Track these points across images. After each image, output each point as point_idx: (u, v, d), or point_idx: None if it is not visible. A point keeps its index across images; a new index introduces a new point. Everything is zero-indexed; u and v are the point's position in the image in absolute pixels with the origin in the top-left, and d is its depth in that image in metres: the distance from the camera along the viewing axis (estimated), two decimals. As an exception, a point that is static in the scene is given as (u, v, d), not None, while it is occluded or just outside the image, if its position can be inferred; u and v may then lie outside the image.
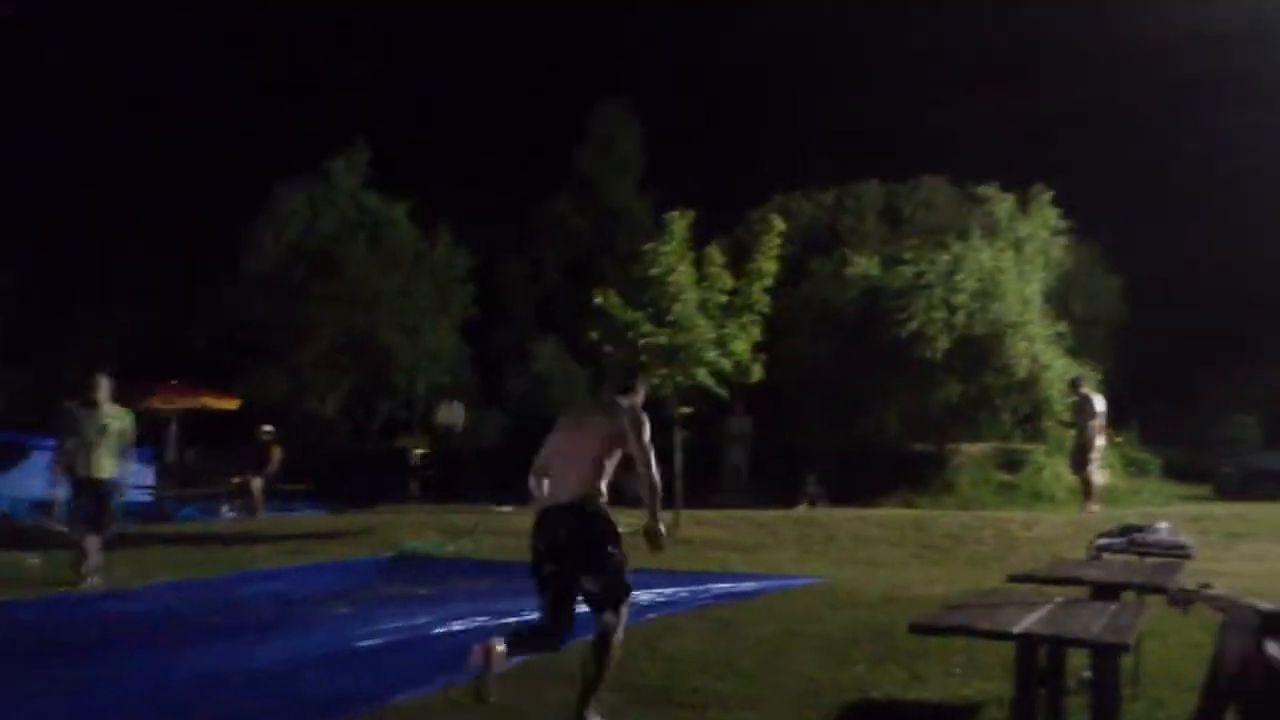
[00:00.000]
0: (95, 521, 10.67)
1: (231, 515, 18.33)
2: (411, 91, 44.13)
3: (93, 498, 10.72)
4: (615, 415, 5.51)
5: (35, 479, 15.51)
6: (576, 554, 5.32)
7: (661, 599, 9.16)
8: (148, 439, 21.80)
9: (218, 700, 5.73)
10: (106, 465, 10.74)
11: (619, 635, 5.29)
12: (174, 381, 22.54)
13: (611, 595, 5.30)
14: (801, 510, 17.58)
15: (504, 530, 14.84)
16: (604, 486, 5.46)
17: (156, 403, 21.61)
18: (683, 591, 9.59)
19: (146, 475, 19.82)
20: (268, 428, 19.42)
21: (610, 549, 5.32)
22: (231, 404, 23.54)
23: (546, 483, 5.53)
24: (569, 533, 5.32)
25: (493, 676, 4.96)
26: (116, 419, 10.81)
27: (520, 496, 18.64)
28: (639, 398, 5.81)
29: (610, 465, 5.50)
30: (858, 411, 21.61)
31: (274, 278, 30.30)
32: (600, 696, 5.24)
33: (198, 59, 41.82)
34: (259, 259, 30.49)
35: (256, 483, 18.52)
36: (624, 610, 5.37)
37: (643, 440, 5.44)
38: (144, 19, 39.79)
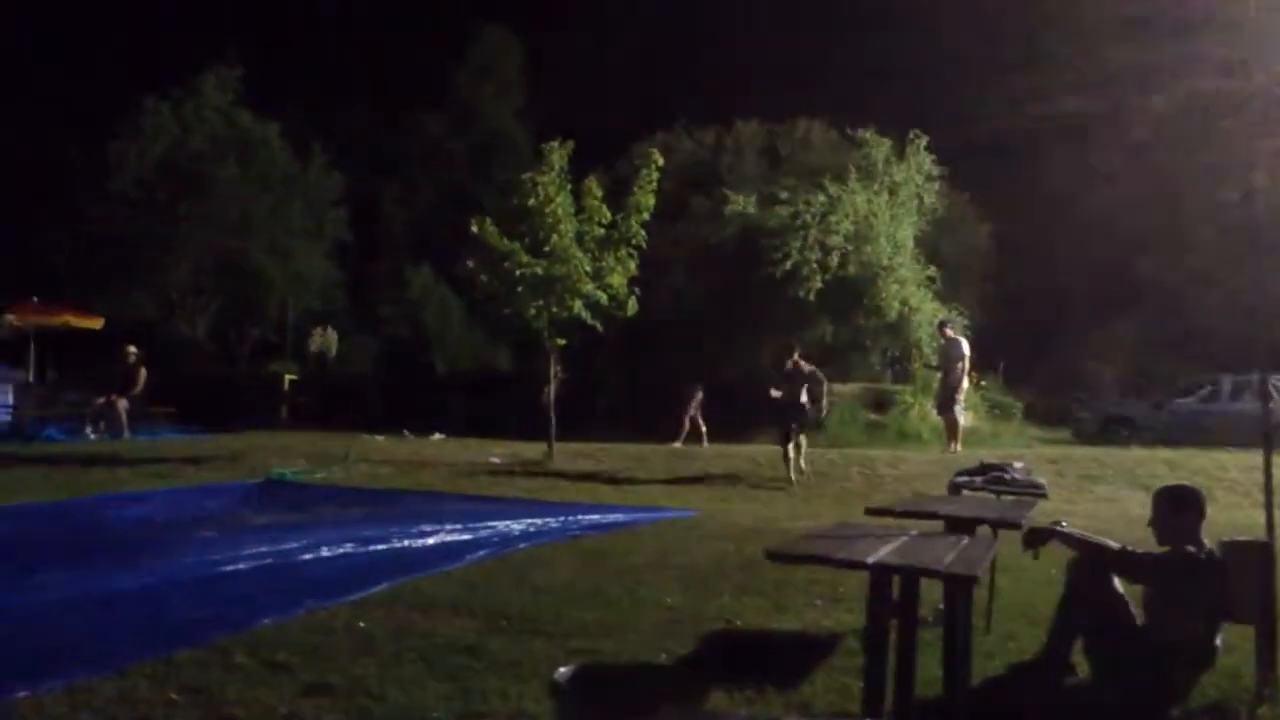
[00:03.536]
0: None
1: (95, 437, 17.82)
2: (288, 7, 42.78)
3: None
4: None
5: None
6: None
7: (532, 529, 9.21)
8: (6, 357, 21.08)
9: (70, 624, 5.60)
10: None
11: None
12: (34, 299, 21.70)
13: None
14: (676, 446, 17.70)
15: (374, 458, 14.74)
16: None
17: (14, 320, 20.80)
18: (552, 522, 9.65)
19: (5, 394, 19.16)
20: (132, 348, 18.86)
21: None
22: (95, 324, 22.75)
23: None
24: None
25: None
26: None
27: (391, 426, 18.56)
28: None
29: None
30: (732, 348, 21.85)
31: (140, 195, 29.30)
32: None
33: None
34: (123, 175, 29.41)
35: (121, 404, 18.04)
36: None
37: None
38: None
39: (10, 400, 20.15)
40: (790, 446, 13.80)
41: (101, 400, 18.30)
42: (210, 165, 29.96)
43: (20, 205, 29.18)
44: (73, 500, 10.71)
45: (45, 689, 4.34)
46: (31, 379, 22.07)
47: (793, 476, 13.69)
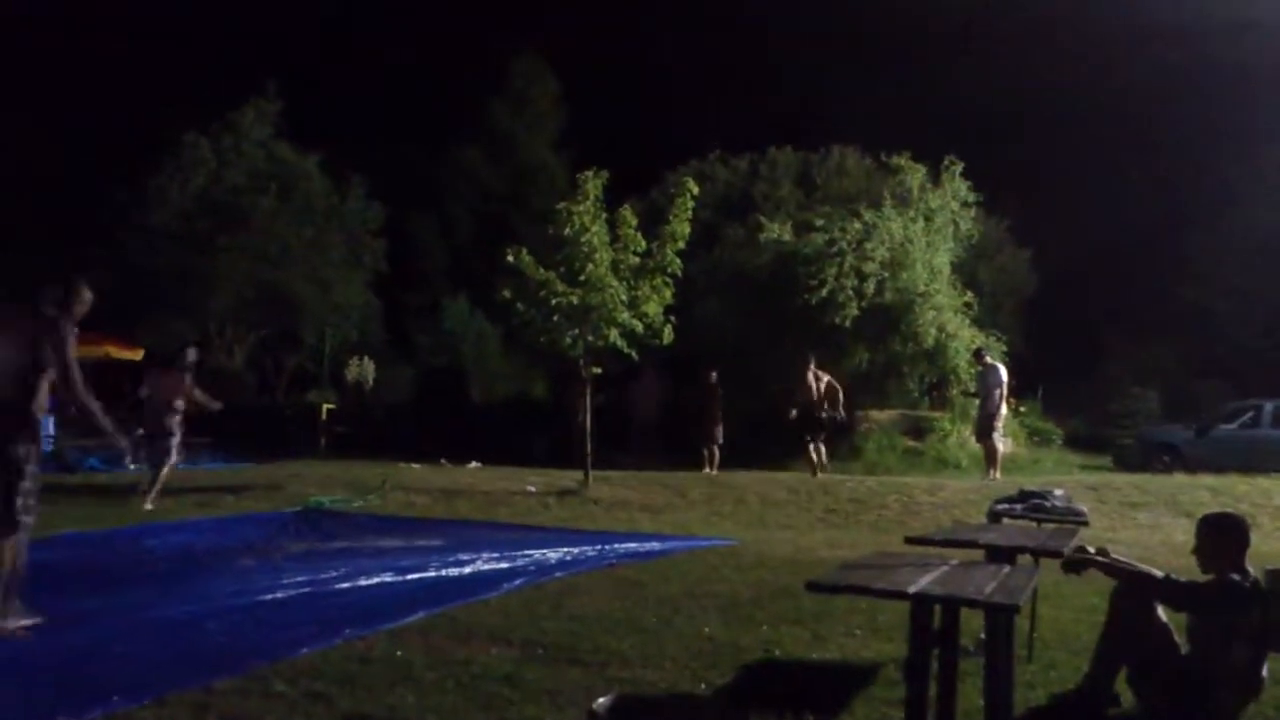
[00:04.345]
0: None
1: (135, 467, 17.94)
2: (325, 41, 43.31)
3: None
4: None
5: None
6: None
7: (568, 558, 9.20)
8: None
9: (112, 652, 5.64)
10: None
11: None
12: (75, 331, 21.96)
13: None
14: (709, 472, 17.65)
15: (411, 487, 14.78)
16: None
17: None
18: (589, 551, 9.64)
19: (48, 425, 19.34)
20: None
21: None
22: (136, 354, 23.01)
23: None
24: None
25: None
26: None
27: (427, 455, 18.57)
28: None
29: None
30: (767, 376, 21.80)
31: (180, 228, 29.65)
32: None
33: (106, 5, 40.56)
34: (163, 209, 29.78)
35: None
36: None
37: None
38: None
39: (52, 431, 20.32)
40: (812, 449, 16.40)
41: (142, 431, 18.43)
42: (250, 198, 30.26)
43: (63, 238, 29.56)
44: (114, 530, 10.78)
45: (88, 717, 4.37)
46: (73, 410, 22.29)
47: (817, 473, 15.95)
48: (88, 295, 6.64)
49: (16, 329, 6.26)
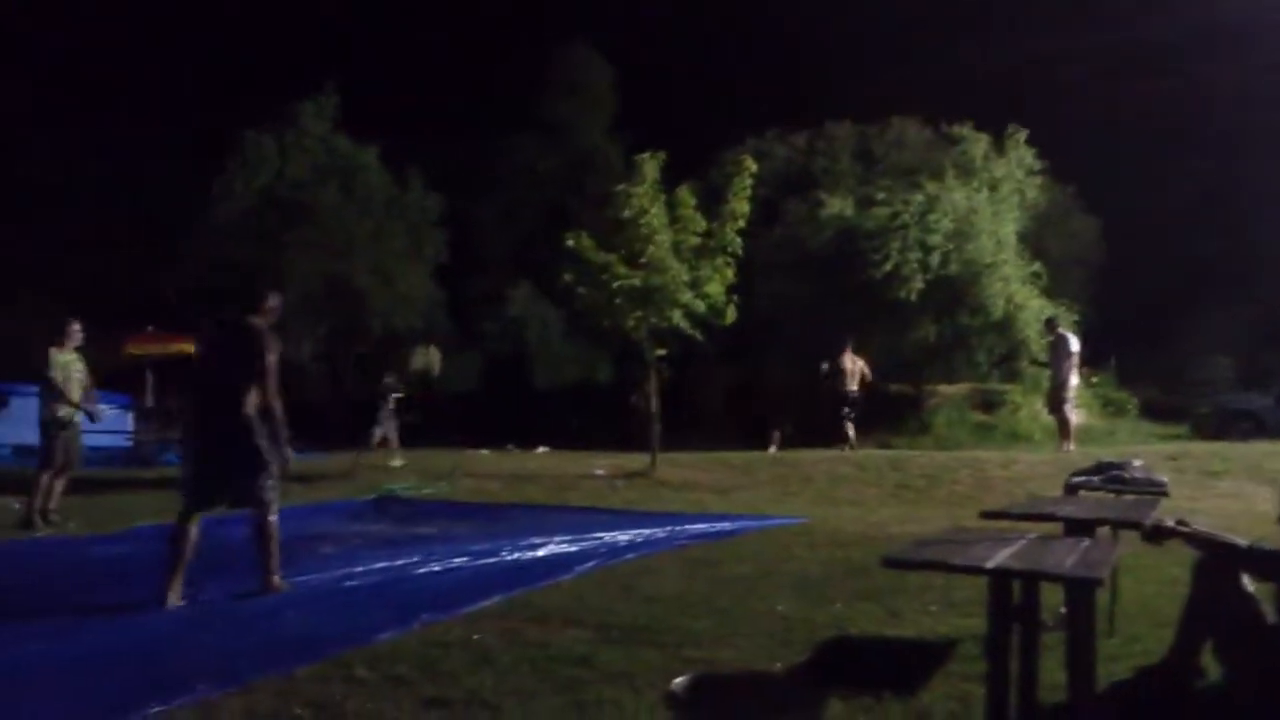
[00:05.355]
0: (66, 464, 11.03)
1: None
2: (379, 32, 43.59)
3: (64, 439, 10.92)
4: None
5: (15, 426, 15.44)
6: None
7: (639, 539, 9.22)
8: (125, 385, 21.75)
9: (196, 641, 5.75)
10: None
11: None
12: (149, 329, 22.38)
13: None
14: (773, 451, 17.64)
15: (481, 473, 14.89)
16: None
17: (132, 349, 21.48)
18: (659, 532, 9.65)
19: (125, 421, 19.74)
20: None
21: None
22: (209, 350, 23.38)
23: None
24: None
25: None
26: (81, 362, 11.03)
27: (495, 441, 18.71)
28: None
29: None
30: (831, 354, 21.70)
31: (246, 225, 30.00)
32: None
33: (164, 10, 41.16)
34: (228, 206, 30.15)
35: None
36: None
37: None
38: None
39: (130, 426, 20.74)
40: (848, 425, 17.49)
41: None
42: (312, 192, 30.54)
43: (133, 239, 30.12)
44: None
45: (177, 704, 4.45)
46: (150, 405, 22.74)
47: (849, 448, 16.91)
48: (275, 301, 7.19)
49: (229, 338, 6.96)
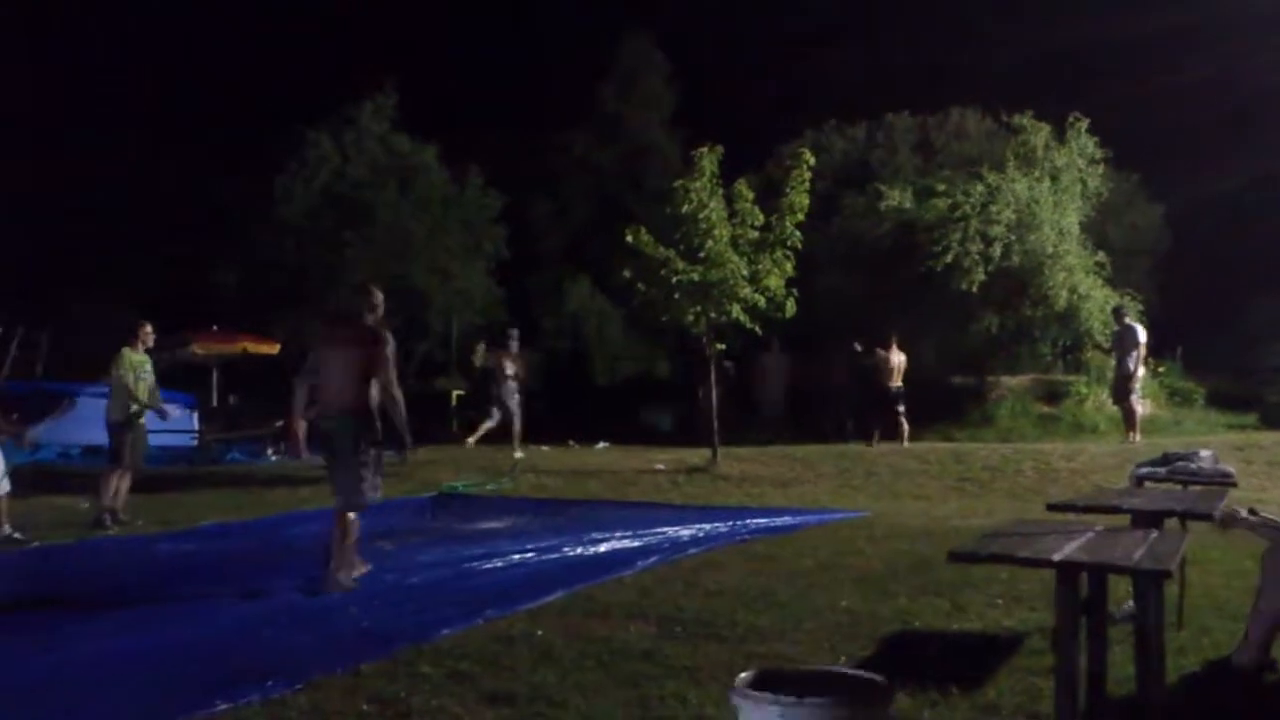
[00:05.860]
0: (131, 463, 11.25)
1: (276, 458, 18.48)
2: (434, 31, 43.84)
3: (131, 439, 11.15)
4: None
5: (83, 426, 15.73)
6: None
7: (701, 534, 9.22)
8: (190, 385, 22.09)
9: (263, 638, 5.83)
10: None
11: None
12: (214, 328, 22.72)
13: None
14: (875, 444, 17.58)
15: (542, 469, 14.94)
16: None
17: (197, 349, 21.81)
18: (721, 527, 9.64)
19: (191, 420, 20.03)
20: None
21: None
22: (272, 349, 23.69)
23: None
24: None
25: None
26: (150, 364, 11.28)
27: (555, 437, 18.79)
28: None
29: None
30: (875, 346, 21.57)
31: (307, 224, 30.31)
32: None
33: (221, 9, 41.66)
34: (289, 206, 30.48)
35: (300, 426, 18.59)
36: None
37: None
38: (170, -35, 39.70)
39: (196, 425, 21.04)
40: (901, 418, 17.20)
41: (281, 423, 18.96)
42: (371, 191, 30.77)
43: (196, 240, 30.52)
44: (257, 520, 11.12)
45: (244, 701, 4.52)
46: (215, 404, 23.07)
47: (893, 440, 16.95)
48: (379, 297, 7.63)
49: (349, 337, 7.34)
